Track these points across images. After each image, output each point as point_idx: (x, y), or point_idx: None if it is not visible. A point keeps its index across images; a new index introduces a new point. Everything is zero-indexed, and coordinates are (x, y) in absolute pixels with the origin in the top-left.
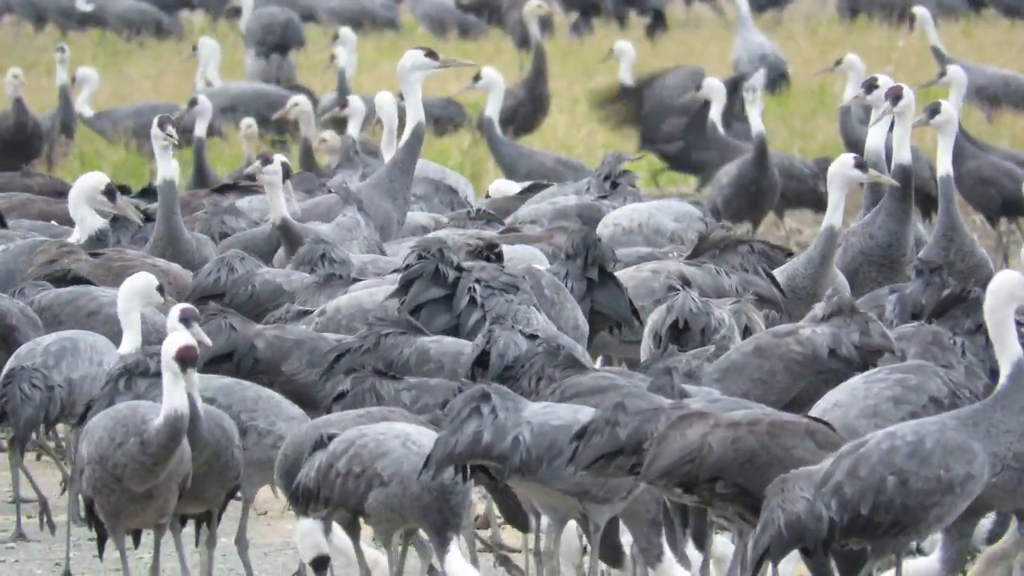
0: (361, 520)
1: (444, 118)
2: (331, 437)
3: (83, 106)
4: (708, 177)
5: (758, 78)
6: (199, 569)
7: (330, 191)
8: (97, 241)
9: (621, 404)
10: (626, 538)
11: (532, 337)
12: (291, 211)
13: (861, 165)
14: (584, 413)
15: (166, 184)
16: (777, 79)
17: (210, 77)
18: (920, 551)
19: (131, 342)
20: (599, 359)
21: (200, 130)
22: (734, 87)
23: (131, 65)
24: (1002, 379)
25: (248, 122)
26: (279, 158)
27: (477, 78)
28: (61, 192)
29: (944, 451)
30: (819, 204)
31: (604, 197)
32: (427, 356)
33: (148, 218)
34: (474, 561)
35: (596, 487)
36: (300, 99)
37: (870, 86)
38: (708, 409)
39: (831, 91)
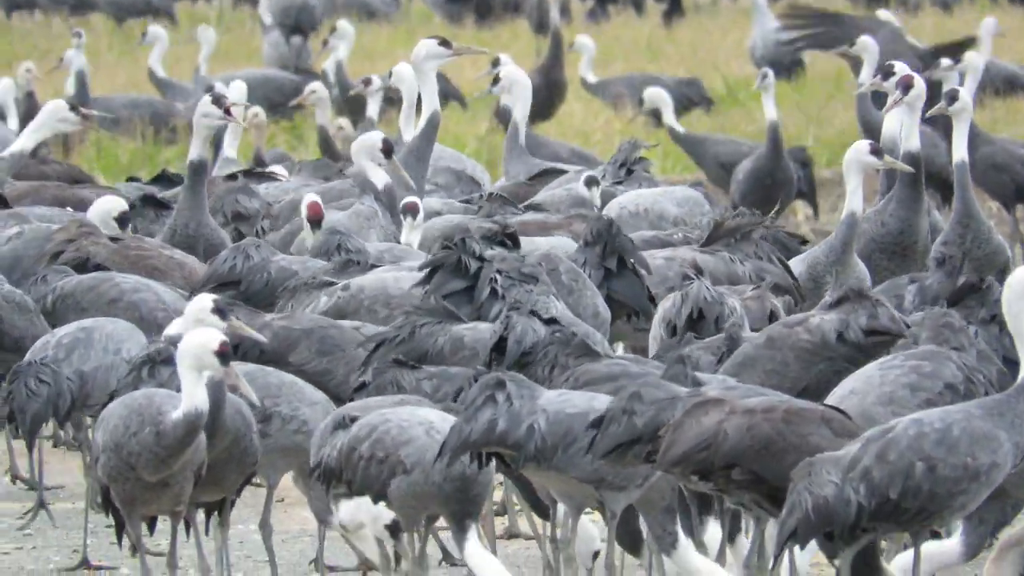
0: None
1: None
2: (353, 419)
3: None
4: None
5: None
6: (214, 556)
7: (347, 177)
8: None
9: (637, 393)
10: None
11: (550, 322)
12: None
13: (877, 151)
14: (599, 401)
15: (200, 163)
16: (792, 66)
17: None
18: (936, 535)
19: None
20: (619, 346)
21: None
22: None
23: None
24: (1023, 371)
25: (255, 110)
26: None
27: (496, 63)
28: (77, 179)
29: (971, 439)
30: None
31: (619, 183)
32: (461, 344)
33: (165, 205)
34: (493, 548)
35: (612, 475)
36: (317, 86)
37: (887, 72)
38: (724, 396)
39: (847, 77)
